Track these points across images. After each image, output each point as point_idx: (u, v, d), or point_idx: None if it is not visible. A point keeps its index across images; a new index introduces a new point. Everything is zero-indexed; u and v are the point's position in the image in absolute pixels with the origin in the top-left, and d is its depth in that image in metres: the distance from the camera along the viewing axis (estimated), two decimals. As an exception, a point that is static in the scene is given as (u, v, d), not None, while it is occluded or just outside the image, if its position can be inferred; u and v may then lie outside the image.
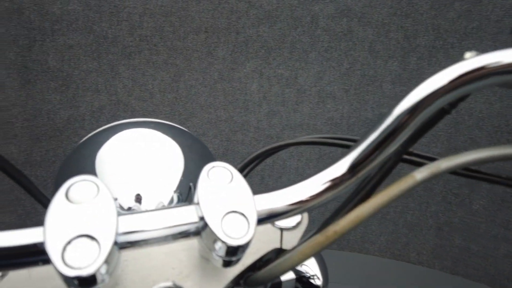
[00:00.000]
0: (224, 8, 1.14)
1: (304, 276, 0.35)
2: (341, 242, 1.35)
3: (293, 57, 1.21)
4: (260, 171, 1.27)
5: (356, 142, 0.22)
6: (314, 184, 0.21)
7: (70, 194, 0.17)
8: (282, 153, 1.28)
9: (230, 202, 0.19)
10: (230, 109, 1.21)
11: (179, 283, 0.22)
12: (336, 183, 0.21)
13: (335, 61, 1.21)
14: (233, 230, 0.18)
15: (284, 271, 0.22)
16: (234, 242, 0.18)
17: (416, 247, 1.26)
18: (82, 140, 0.40)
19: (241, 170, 0.38)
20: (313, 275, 0.36)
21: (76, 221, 0.16)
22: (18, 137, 1.01)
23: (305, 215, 0.29)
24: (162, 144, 0.38)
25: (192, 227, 0.19)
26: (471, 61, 0.20)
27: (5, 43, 0.97)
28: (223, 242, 0.18)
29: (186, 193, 0.36)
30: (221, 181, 0.20)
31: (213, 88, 1.18)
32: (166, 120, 0.40)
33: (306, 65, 1.22)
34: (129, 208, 0.34)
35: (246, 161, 0.39)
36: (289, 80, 1.23)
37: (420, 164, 0.29)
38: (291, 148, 1.28)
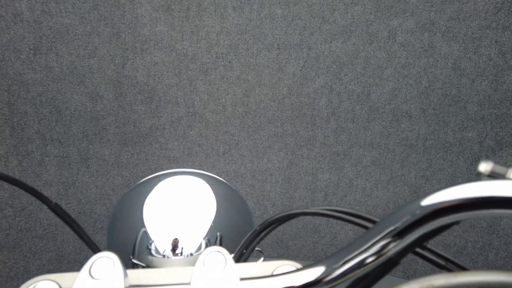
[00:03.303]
0: (297, 24, 1.15)
1: None
2: (408, 270, 1.26)
3: (367, 73, 1.16)
4: (324, 187, 1.26)
5: (350, 244, 0.21)
6: (306, 277, 0.21)
7: (92, 270, 0.22)
8: (349, 171, 1.24)
9: None
10: (297, 124, 1.22)
11: None
12: (319, 282, 0.21)
13: (413, 78, 1.13)
14: None
15: None
16: None
17: (498, 291, 1.11)
18: (134, 185, 0.46)
19: (259, 233, 0.38)
20: None
21: None
22: (110, 142, 1.19)
23: None
24: (200, 193, 0.43)
25: None
26: (482, 187, 0.18)
27: (105, 62, 1.15)
28: None
29: (214, 239, 0.40)
30: (216, 266, 0.22)
31: (281, 103, 1.21)
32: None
33: (381, 81, 1.16)
34: (164, 255, 0.39)
35: (263, 226, 0.38)
36: (361, 96, 1.18)
37: (429, 261, 0.27)
38: (359, 167, 1.24)
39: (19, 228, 1.21)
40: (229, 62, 1.19)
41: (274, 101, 1.22)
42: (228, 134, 1.24)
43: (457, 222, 0.21)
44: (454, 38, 1.06)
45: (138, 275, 0.25)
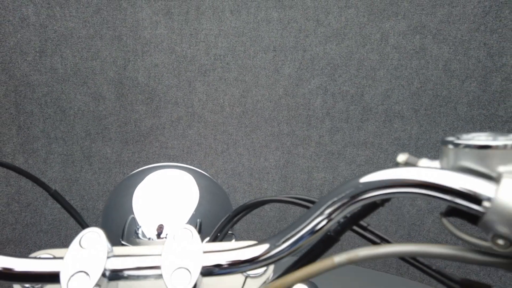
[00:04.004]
0: (293, 27, 1.19)
1: None
2: (401, 268, 1.29)
3: (360, 74, 1.20)
4: (319, 185, 1.29)
5: (293, 223, 0.24)
6: (254, 252, 0.25)
7: (82, 241, 0.26)
8: (343, 170, 1.28)
9: (183, 259, 0.25)
10: (293, 124, 1.26)
11: None
12: (260, 258, 0.25)
13: (405, 79, 1.16)
14: (179, 281, 0.25)
15: None
16: None
17: None
18: (126, 176, 0.51)
19: (231, 218, 0.42)
20: None
21: (80, 261, 0.25)
22: (112, 141, 1.23)
23: (270, 266, 0.34)
24: (184, 185, 0.47)
25: (157, 272, 0.26)
26: (391, 172, 0.22)
27: (107, 64, 1.19)
28: None
29: (195, 225, 0.45)
30: (184, 240, 0.26)
31: (277, 103, 1.25)
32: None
33: (374, 82, 1.19)
34: (149, 238, 0.44)
35: (235, 212, 0.42)
36: (355, 97, 1.22)
37: (369, 240, 0.31)
38: (353, 166, 1.27)
39: (25, 223, 1.26)
40: (227, 63, 1.23)
41: (270, 102, 1.25)
42: (226, 134, 1.28)
43: (382, 204, 0.25)
44: (444, 41, 1.09)
45: (121, 250, 0.29)
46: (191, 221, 0.44)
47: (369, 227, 0.31)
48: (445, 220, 0.22)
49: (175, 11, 1.17)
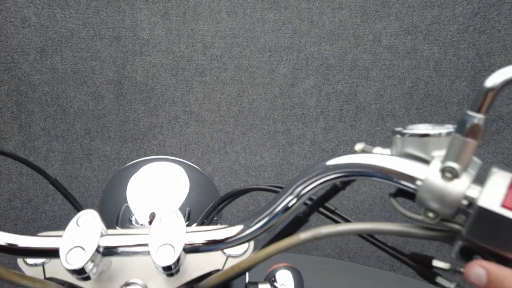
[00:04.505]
0: (288, 28, 1.22)
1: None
2: (394, 264, 1.31)
3: (353, 74, 1.22)
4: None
5: (265, 205, 0.27)
6: (230, 232, 0.28)
7: (78, 221, 0.29)
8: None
9: (168, 237, 0.28)
10: (288, 122, 1.28)
11: (144, 280, 0.32)
12: (235, 237, 0.28)
13: (397, 79, 1.19)
14: (164, 257, 0.27)
15: (212, 284, 0.31)
16: (161, 263, 0.27)
17: None
18: (121, 168, 0.55)
19: (217, 206, 0.44)
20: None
21: (77, 237, 0.28)
22: (111, 139, 1.27)
23: (251, 246, 0.36)
24: (176, 176, 0.51)
25: (146, 249, 0.29)
26: (347, 158, 0.25)
27: (106, 64, 1.22)
28: (155, 262, 0.27)
29: (183, 213, 0.48)
30: (169, 221, 0.29)
31: (273, 103, 1.28)
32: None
33: (367, 82, 1.22)
34: (142, 225, 0.47)
35: (220, 200, 0.45)
36: (348, 96, 1.25)
37: (336, 222, 0.34)
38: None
39: (26, 218, 1.29)
40: (224, 63, 1.26)
41: (266, 101, 1.28)
42: (222, 132, 1.31)
43: (343, 188, 0.28)
44: (435, 41, 1.12)
45: (114, 231, 0.32)
46: (181, 210, 0.47)
47: (336, 211, 0.34)
48: (393, 200, 0.24)
49: (172, 12, 1.20)
